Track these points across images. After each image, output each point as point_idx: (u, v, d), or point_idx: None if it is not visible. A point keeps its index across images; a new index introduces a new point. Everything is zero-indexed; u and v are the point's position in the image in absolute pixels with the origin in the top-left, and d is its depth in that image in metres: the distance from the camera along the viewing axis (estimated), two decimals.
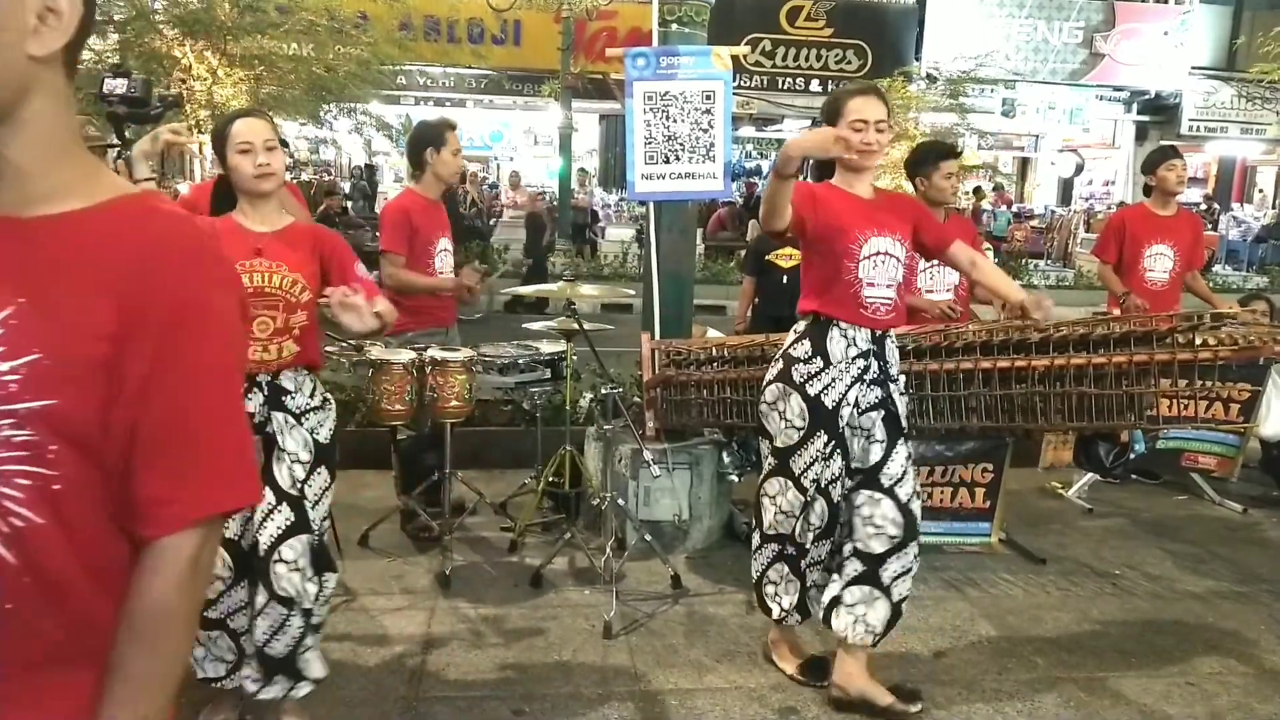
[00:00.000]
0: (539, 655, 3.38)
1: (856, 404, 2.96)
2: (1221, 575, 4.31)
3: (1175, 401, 3.74)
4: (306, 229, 2.83)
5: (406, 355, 3.88)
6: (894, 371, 3.04)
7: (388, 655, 3.33)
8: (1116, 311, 4.91)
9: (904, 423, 3.03)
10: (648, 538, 4.07)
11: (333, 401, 2.88)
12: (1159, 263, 5.05)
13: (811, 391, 2.95)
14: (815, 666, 3.22)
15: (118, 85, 2.89)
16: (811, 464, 2.97)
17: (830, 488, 3.00)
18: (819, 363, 2.95)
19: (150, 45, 11.45)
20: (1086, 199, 21.45)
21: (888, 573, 2.95)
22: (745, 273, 5.76)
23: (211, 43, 11.63)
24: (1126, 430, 4.73)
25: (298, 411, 2.70)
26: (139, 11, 11.34)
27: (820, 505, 3.02)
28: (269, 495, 2.64)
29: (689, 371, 4.23)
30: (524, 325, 4.58)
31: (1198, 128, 19.39)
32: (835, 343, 2.94)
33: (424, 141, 4.25)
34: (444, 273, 4.34)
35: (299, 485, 2.67)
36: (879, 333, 2.97)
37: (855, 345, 2.94)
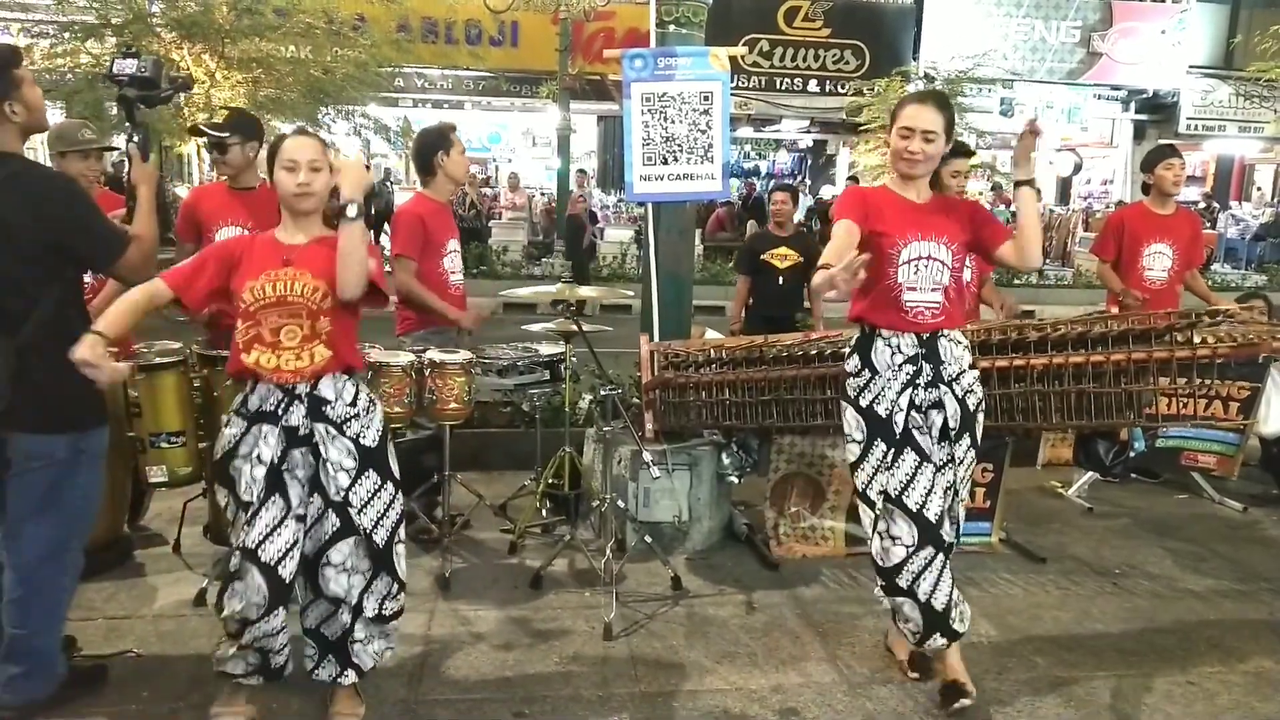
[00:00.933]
0: (539, 657, 3.38)
1: (917, 406, 2.96)
2: (1222, 574, 4.30)
3: (1174, 400, 3.74)
4: (333, 238, 2.84)
5: (405, 357, 3.88)
6: (951, 371, 2.99)
7: (386, 658, 3.33)
8: (1116, 310, 4.91)
9: (954, 423, 2.98)
10: (648, 539, 4.07)
11: (378, 403, 2.90)
12: (1158, 261, 5.05)
13: (863, 403, 2.99)
14: (920, 661, 3.27)
15: (127, 66, 2.89)
16: (874, 475, 2.98)
17: (904, 495, 2.94)
18: (867, 374, 3.00)
19: (148, 48, 11.45)
20: (1085, 198, 21.45)
21: (903, 578, 2.97)
22: (739, 272, 5.74)
23: (209, 46, 11.67)
24: (1126, 429, 4.73)
25: (339, 420, 2.72)
26: (137, 15, 11.36)
27: (901, 519, 2.95)
28: (318, 502, 2.70)
29: (688, 373, 4.23)
30: (523, 327, 4.58)
31: (1196, 126, 19.42)
32: (880, 353, 2.97)
33: (432, 146, 4.29)
34: (453, 273, 4.39)
35: (343, 493, 2.70)
36: (926, 335, 2.96)
37: (900, 352, 2.96)
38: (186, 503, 4.12)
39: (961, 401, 3.00)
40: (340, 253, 2.64)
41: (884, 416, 2.96)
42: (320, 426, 2.69)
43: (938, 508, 2.96)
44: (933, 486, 2.95)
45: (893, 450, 2.96)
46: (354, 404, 2.77)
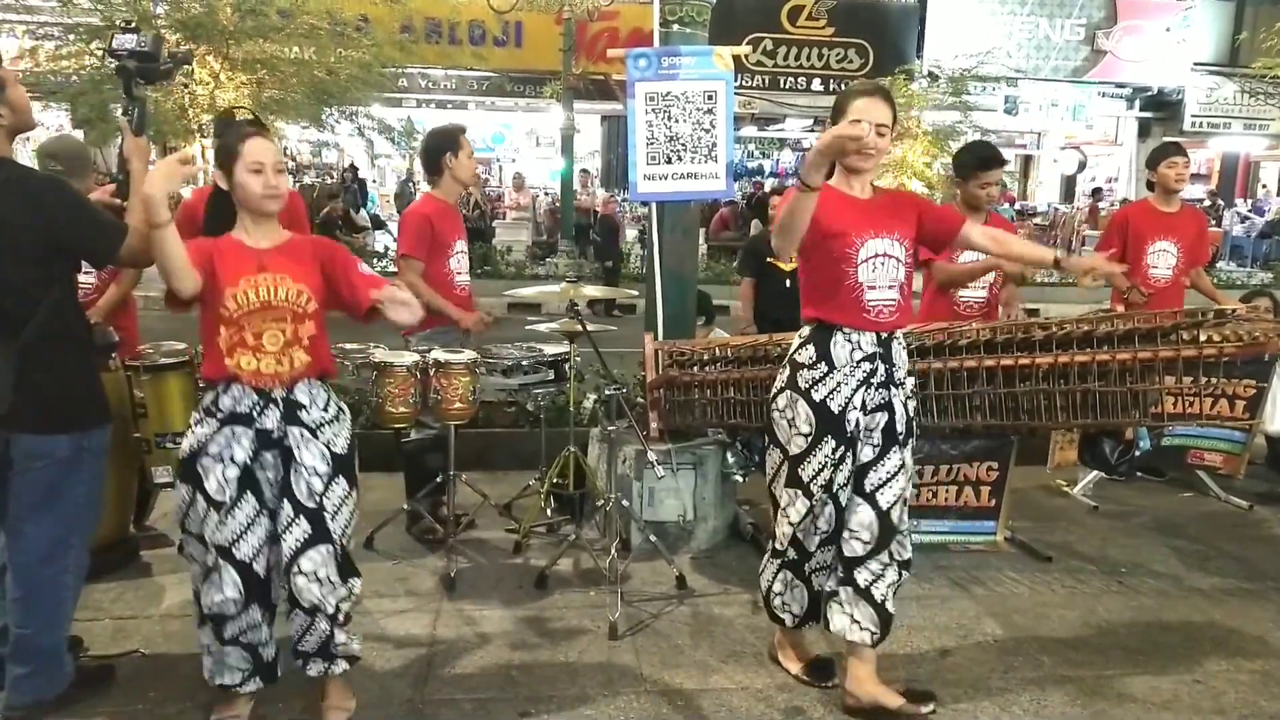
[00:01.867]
0: (544, 657, 3.38)
1: (863, 406, 2.92)
2: (1228, 572, 4.30)
3: (1180, 399, 3.72)
4: (305, 241, 2.88)
5: (410, 358, 3.89)
6: (900, 375, 3.00)
7: (393, 658, 3.34)
8: (1121, 308, 4.90)
9: (901, 427, 2.97)
10: (652, 538, 4.07)
11: (348, 411, 2.91)
12: (1162, 259, 5.04)
13: (817, 397, 2.91)
14: (820, 667, 3.22)
15: (127, 41, 2.89)
16: (820, 470, 2.94)
17: (840, 492, 2.96)
18: (823, 367, 2.92)
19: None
20: (1089, 195, 21.43)
21: (862, 576, 2.95)
22: (744, 274, 5.69)
23: (214, 47, 11.69)
24: (1131, 427, 4.72)
25: (313, 425, 2.73)
26: (141, 16, 11.37)
27: (829, 510, 2.98)
28: (288, 508, 2.69)
29: (692, 372, 4.23)
30: (528, 327, 4.58)
31: (1201, 124, 19.38)
32: (840, 347, 2.91)
33: (440, 148, 4.30)
34: (459, 273, 4.40)
35: (317, 498, 2.70)
36: (884, 335, 2.94)
37: (860, 349, 2.90)
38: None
39: (905, 405, 3.00)
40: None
41: (836, 413, 2.91)
42: (295, 430, 2.69)
43: (887, 502, 2.96)
44: (882, 484, 2.95)
45: (841, 448, 2.92)
46: (326, 409, 2.78)
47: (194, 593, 2.78)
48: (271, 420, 2.68)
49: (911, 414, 3.04)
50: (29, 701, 2.79)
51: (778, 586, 3.13)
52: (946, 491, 4.25)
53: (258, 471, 2.68)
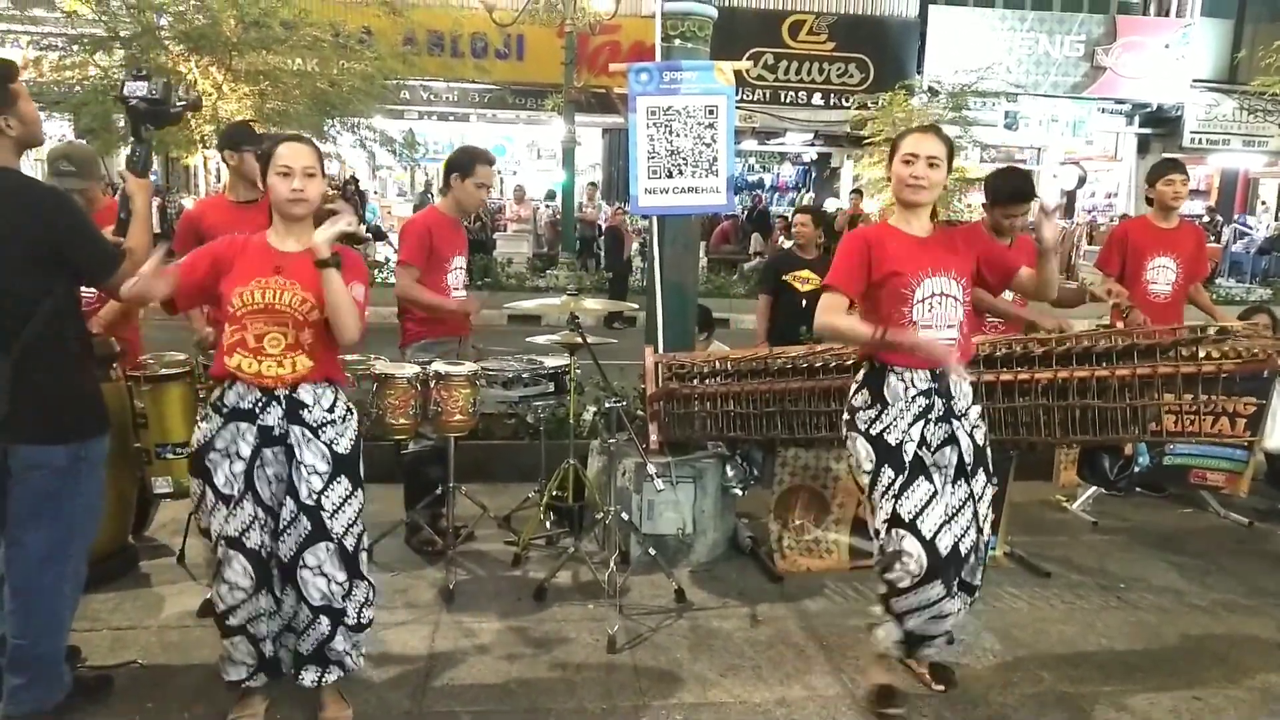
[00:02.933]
0: (543, 669, 3.38)
1: (927, 443, 2.93)
2: (1228, 588, 4.29)
3: (1180, 416, 3.72)
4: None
5: (410, 369, 3.89)
6: (961, 405, 3.00)
7: (392, 670, 3.33)
8: (1120, 324, 4.90)
9: (970, 458, 2.98)
10: (651, 551, 4.07)
11: (354, 413, 2.93)
12: (1161, 274, 5.05)
13: (874, 432, 2.95)
14: (884, 693, 3.17)
15: (138, 88, 2.94)
16: (882, 500, 2.93)
17: (916, 523, 2.90)
18: (878, 408, 2.96)
19: (156, 61, 11.53)
20: (1089, 211, 21.47)
21: (901, 604, 2.96)
22: (762, 291, 5.71)
23: (217, 58, 11.75)
24: (1130, 443, 4.72)
25: (315, 425, 2.76)
26: (145, 28, 11.44)
27: (911, 544, 2.89)
28: (290, 505, 2.73)
29: (692, 385, 4.23)
30: (527, 339, 4.59)
31: (1200, 140, 19.45)
32: (892, 387, 2.94)
33: (455, 165, 4.38)
34: (456, 289, 4.42)
35: (315, 496, 2.74)
36: (939, 371, 2.94)
37: (914, 386, 2.93)
38: (191, 513, 4.13)
39: (971, 436, 3.01)
40: (328, 306, 2.69)
41: (893, 445, 2.93)
42: (296, 429, 2.73)
43: (948, 542, 2.92)
44: (945, 520, 2.93)
45: (901, 477, 2.91)
46: (331, 410, 2.80)
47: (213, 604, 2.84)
48: (273, 417, 2.72)
49: (980, 442, 3.05)
50: (26, 711, 2.78)
51: (880, 633, 3.09)
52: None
53: (256, 469, 2.72)
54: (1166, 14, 19.34)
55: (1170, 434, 3.85)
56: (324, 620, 2.79)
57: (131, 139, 2.99)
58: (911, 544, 2.89)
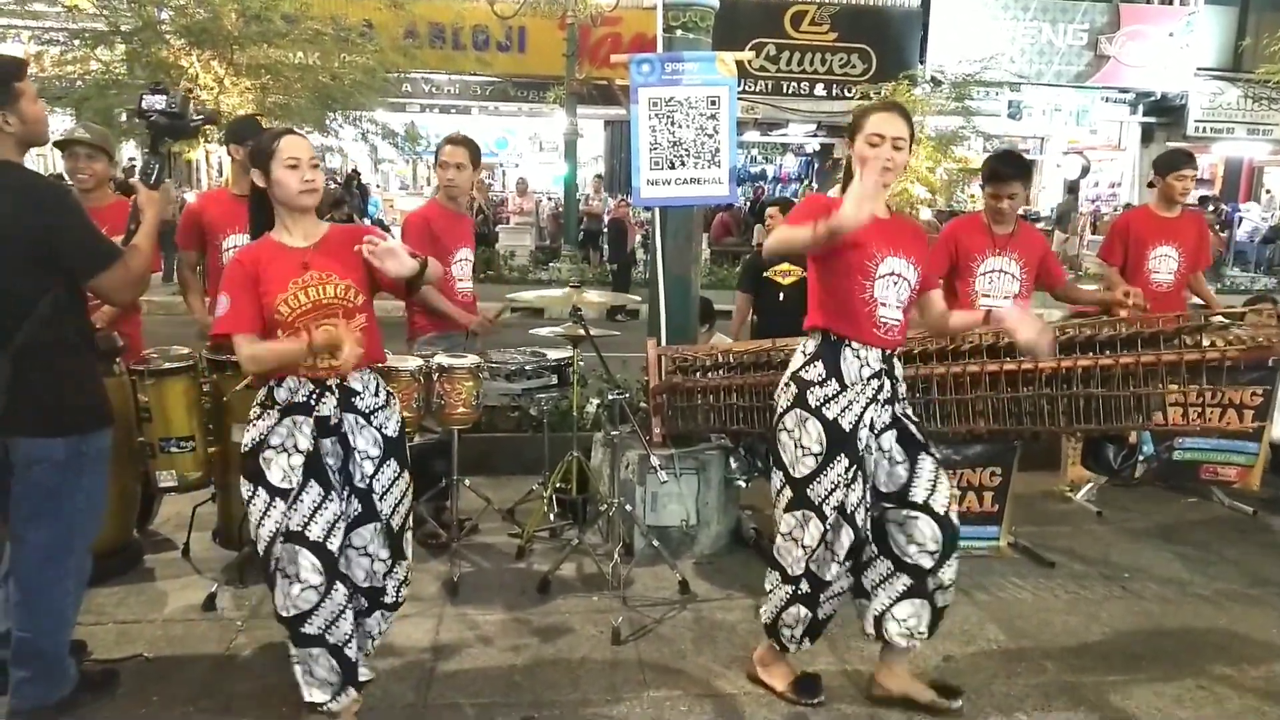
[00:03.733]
0: (547, 662, 3.38)
1: (872, 426, 2.91)
2: (1232, 578, 4.29)
3: (1186, 409, 3.71)
4: (341, 232, 2.83)
5: (414, 363, 3.89)
6: (902, 390, 3.01)
7: (396, 662, 3.34)
8: (1123, 313, 4.89)
9: (919, 434, 2.98)
10: (655, 543, 4.07)
11: (396, 397, 2.94)
12: (1164, 264, 5.04)
13: (829, 415, 2.88)
14: (807, 685, 3.17)
15: (156, 102, 2.94)
16: (833, 490, 2.90)
17: (855, 513, 2.92)
18: (834, 385, 2.88)
19: (157, 55, 11.53)
20: (1093, 201, 21.41)
21: (932, 584, 2.95)
22: (741, 290, 5.64)
23: (218, 52, 11.74)
24: (1134, 432, 4.71)
25: (367, 411, 2.76)
26: (146, 22, 11.44)
27: (846, 532, 2.92)
28: (345, 492, 2.73)
29: (695, 377, 4.23)
30: (531, 331, 4.59)
31: (1204, 129, 19.36)
32: (849, 363, 2.88)
33: (435, 158, 4.35)
34: (462, 281, 4.41)
35: (368, 480, 2.75)
36: (889, 352, 2.94)
37: (869, 365, 2.89)
38: (196, 507, 4.14)
39: (908, 416, 3.01)
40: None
41: (848, 431, 2.88)
42: (350, 417, 2.73)
43: (865, 528, 2.98)
44: (865, 511, 2.96)
45: (854, 467, 2.89)
46: (378, 394, 2.81)
47: (276, 614, 2.71)
48: (328, 407, 2.69)
49: (916, 420, 3.04)
50: (31, 705, 2.80)
51: (788, 620, 3.07)
52: (954, 490, 4.23)
53: (321, 459, 2.68)
54: (1170, 2, 19.22)
55: (1179, 428, 3.84)
56: (362, 599, 2.81)
57: (146, 153, 2.98)
58: (848, 534, 2.92)
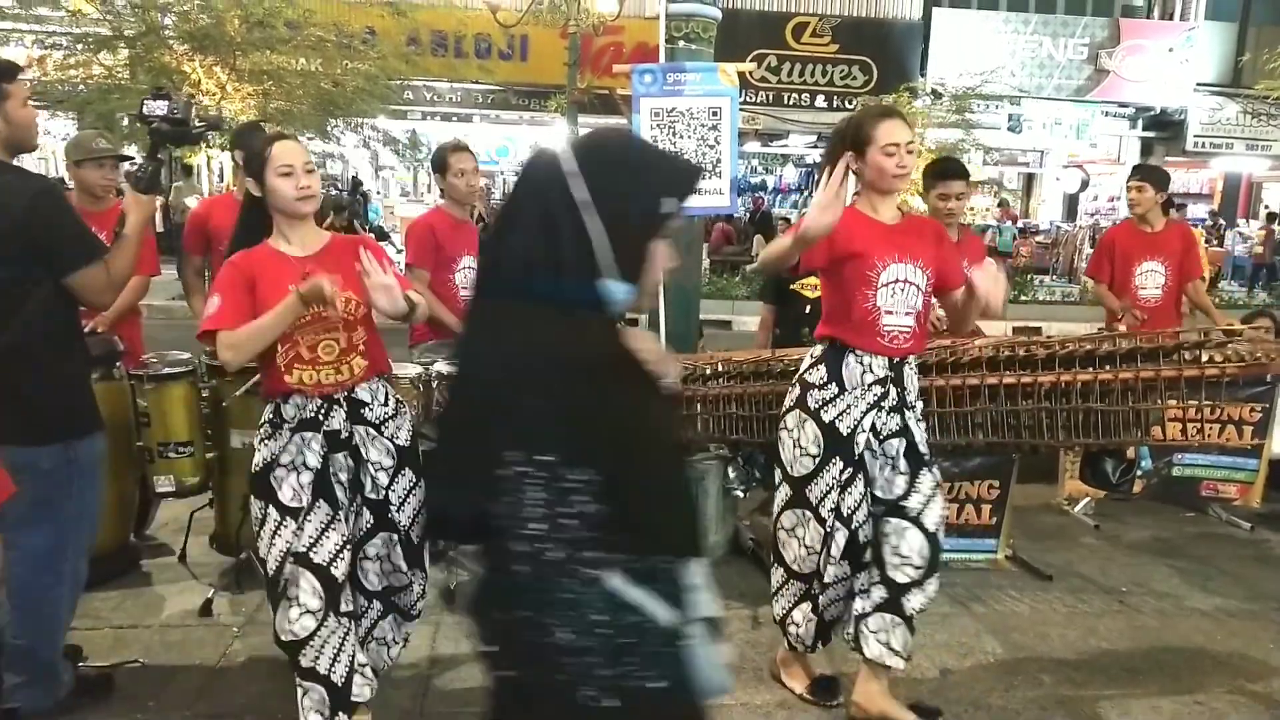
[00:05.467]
0: None
1: (876, 431, 2.91)
2: (1229, 593, 4.28)
3: (1185, 425, 3.71)
4: (341, 242, 2.80)
5: (413, 370, 3.89)
6: (911, 398, 2.99)
7: (393, 671, 3.31)
8: (1121, 327, 4.90)
9: (924, 449, 2.97)
10: None
11: (405, 404, 2.90)
12: (1150, 279, 5.05)
13: (826, 418, 2.90)
14: (824, 686, 3.20)
15: (158, 107, 2.91)
16: (828, 492, 2.92)
17: (852, 516, 2.92)
18: (834, 388, 2.90)
19: (160, 60, 11.56)
20: (1092, 214, 21.46)
21: (909, 603, 2.93)
22: (765, 301, 5.64)
23: (220, 58, 11.76)
24: (1132, 446, 4.71)
25: (377, 421, 2.73)
26: (149, 27, 11.45)
27: (841, 535, 2.93)
28: (357, 504, 2.72)
29: (694, 387, 4.23)
30: None
31: (1203, 144, 19.41)
32: (850, 368, 2.89)
33: (434, 166, 4.38)
34: (464, 288, 4.40)
35: (382, 491, 2.72)
36: (897, 359, 2.93)
37: (871, 371, 2.89)
38: (193, 512, 4.13)
39: (918, 427, 3.00)
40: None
41: (845, 434, 2.89)
42: (360, 429, 2.70)
43: (868, 531, 2.97)
44: (865, 515, 2.95)
45: (849, 470, 2.90)
46: (387, 403, 2.78)
47: (275, 636, 2.67)
48: (338, 421, 2.66)
49: (924, 432, 3.03)
50: (27, 710, 2.78)
51: (797, 618, 3.09)
52: (947, 509, 4.23)
53: (331, 476, 2.65)
54: (1170, 17, 19.33)
55: (1178, 443, 3.84)
56: (377, 605, 2.79)
57: (144, 158, 2.95)
58: (843, 535, 2.92)
